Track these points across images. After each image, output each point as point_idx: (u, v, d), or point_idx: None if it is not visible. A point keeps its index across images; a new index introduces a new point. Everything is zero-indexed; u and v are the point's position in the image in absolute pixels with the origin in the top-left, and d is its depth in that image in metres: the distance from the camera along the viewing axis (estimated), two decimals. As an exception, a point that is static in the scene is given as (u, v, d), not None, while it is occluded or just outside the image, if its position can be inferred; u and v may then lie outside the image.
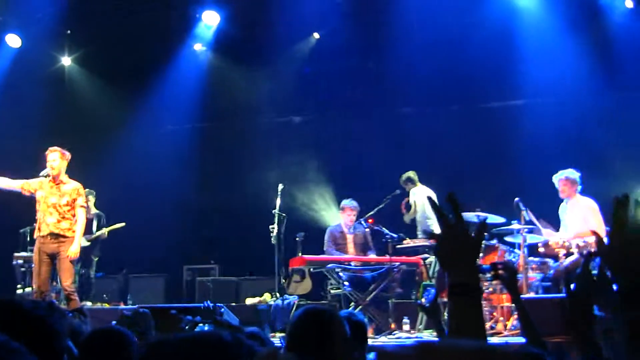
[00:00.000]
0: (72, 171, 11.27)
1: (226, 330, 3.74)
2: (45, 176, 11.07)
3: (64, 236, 10.92)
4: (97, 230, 14.55)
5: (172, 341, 2.02)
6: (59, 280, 11.38)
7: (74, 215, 11.03)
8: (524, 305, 4.05)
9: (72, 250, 10.70)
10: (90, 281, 14.65)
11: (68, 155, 11.17)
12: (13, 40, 15.80)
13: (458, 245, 2.44)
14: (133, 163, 16.25)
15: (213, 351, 1.94)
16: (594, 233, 3.03)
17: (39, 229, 11.04)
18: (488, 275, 8.15)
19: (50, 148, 11.17)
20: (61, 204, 11.00)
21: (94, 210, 14.59)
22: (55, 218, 10.93)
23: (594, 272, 3.23)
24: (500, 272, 4.07)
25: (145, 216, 15.59)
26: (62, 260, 10.86)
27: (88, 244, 14.26)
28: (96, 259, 14.79)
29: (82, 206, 11.08)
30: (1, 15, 15.66)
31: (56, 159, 10.97)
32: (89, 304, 13.43)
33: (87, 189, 12.23)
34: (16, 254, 13.76)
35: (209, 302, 9.46)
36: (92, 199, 14.29)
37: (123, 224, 14.62)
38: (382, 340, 10.39)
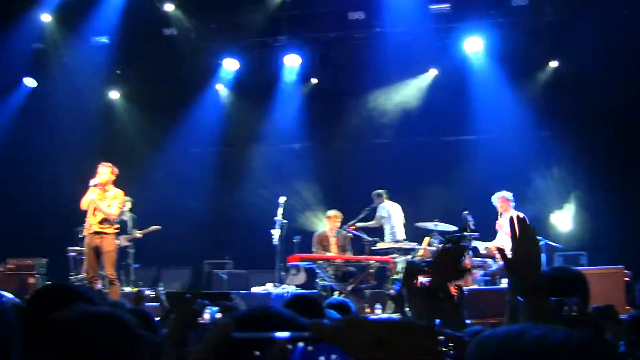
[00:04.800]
0: (116, 183, 12.50)
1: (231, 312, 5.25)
2: (94, 185, 12.31)
3: (105, 233, 12.27)
4: (132, 229, 15.81)
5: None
6: (103, 269, 12.51)
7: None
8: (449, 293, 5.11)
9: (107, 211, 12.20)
10: (129, 270, 15.96)
11: (116, 170, 12.57)
12: (75, 76, 16.95)
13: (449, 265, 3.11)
14: (165, 177, 17.72)
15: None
16: (499, 249, 4.06)
17: (88, 228, 12.37)
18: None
19: (104, 163, 12.55)
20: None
21: (129, 214, 15.84)
22: (99, 218, 12.27)
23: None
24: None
25: (173, 219, 16.86)
26: (105, 253, 12.23)
27: (128, 243, 15.80)
28: (132, 251, 16.02)
29: (117, 200, 12.43)
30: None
31: (106, 172, 12.37)
32: (128, 289, 14.70)
33: (126, 197, 13.37)
34: (70, 248, 15.41)
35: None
36: (128, 205, 15.39)
37: (159, 227, 15.93)
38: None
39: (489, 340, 1.59)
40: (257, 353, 1.26)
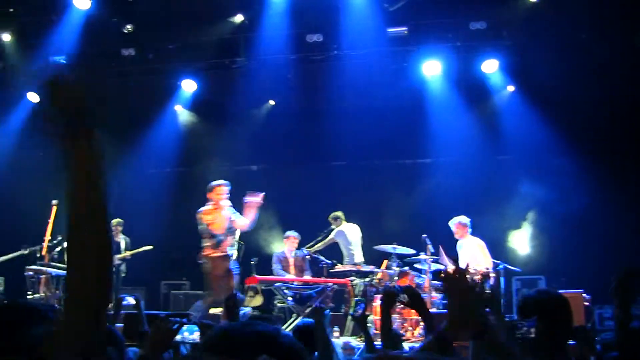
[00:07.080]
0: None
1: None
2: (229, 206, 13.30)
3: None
4: (124, 250, 16.13)
5: None
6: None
7: None
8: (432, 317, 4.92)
9: None
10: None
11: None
12: (33, 97, 16.98)
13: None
14: (121, 198, 17.03)
15: None
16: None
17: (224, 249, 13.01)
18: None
19: (222, 181, 13.50)
20: None
21: (121, 236, 16.23)
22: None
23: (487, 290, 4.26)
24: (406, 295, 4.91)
25: (132, 240, 16.70)
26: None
27: (119, 262, 16.04)
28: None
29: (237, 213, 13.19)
30: (25, 75, 16.57)
31: (227, 191, 13.36)
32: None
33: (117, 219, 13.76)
34: (28, 267, 15.00)
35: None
36: (120, 227, 16.07)
37: (151, 247, 16.48)
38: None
39: None
40: None
